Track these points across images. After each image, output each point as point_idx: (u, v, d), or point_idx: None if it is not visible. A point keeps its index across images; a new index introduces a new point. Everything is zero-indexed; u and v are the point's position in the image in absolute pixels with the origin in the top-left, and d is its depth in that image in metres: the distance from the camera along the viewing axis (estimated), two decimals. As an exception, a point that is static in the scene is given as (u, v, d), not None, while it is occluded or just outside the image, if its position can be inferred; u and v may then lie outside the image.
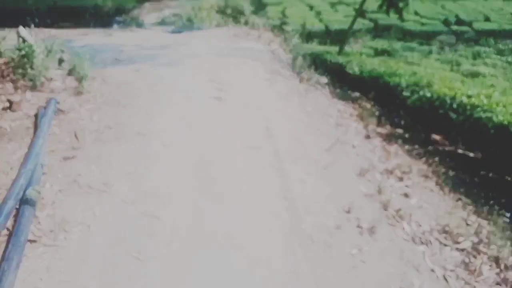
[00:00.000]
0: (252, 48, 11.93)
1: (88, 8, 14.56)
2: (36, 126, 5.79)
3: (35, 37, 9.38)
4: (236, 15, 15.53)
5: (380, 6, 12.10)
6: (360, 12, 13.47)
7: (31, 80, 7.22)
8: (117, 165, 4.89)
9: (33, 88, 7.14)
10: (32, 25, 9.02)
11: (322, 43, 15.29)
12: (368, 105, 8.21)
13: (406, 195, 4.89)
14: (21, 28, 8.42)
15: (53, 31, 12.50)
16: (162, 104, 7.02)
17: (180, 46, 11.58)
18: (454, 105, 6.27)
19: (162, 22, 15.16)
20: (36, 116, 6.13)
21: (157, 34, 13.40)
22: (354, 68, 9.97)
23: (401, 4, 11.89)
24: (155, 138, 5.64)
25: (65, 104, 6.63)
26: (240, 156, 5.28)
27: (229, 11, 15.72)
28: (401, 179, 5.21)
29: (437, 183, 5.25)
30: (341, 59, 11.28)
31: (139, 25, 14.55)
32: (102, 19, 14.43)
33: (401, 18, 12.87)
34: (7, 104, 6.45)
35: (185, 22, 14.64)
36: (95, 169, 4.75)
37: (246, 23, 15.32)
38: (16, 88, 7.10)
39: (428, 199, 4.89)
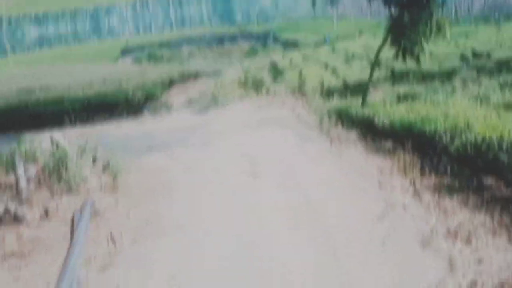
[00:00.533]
0: (277, 116, 11.94)
1: (120, 101, 15.17)
2: (72, 232, 5.69)
3: (68, 138, 9.68)
4: (257, 86, 15.81)
5: (396, 56, 12.02)
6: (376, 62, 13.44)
7: (67, 182, 7.28)
8: (157, 268, 4.63)
9: (69, 191, 7.17)
10: (66, 127, 9.31)
11: (343, 98, 15.25)
12: (407, 157, 7.83)
13: (480, 262, 4.35)
14: (54, 134, 8.73)
15: (88, 127, 12.94)
16: (199, 188, 6.87)
17: (209, 124, 11.71)
18: (504, 146, 5.85)
19: (190, 102, 15.57)
20: (72, 220, 6.06)
21: (186, 115, 13.69)
22: (383, 120, 9.70)
23: (416, 50, 11.77)
24: (195, 230, 5.41)
25: (101, 203, 6.56)
26: (286, 243, 4.95)
27: (250, 83, 16.05)
28: (468, 241, 4.68)
29: (509, 240, 4.68)
30: (366, 111, 11.07)
31: (168, 108, 14.98)
32: (134, 107, 14.95)
33: (418, 63, 12.70)
34: (43, 212, 6.45)
35: (211, 99, 14.99)
36: (134, 277, 4.50)
37: (267, 92, 15.54)
38: (52, 194, 7.15)
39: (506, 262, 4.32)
